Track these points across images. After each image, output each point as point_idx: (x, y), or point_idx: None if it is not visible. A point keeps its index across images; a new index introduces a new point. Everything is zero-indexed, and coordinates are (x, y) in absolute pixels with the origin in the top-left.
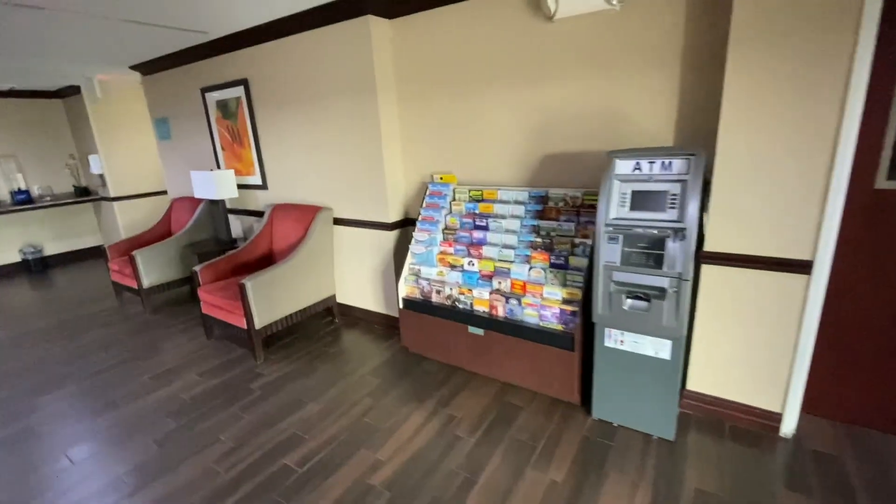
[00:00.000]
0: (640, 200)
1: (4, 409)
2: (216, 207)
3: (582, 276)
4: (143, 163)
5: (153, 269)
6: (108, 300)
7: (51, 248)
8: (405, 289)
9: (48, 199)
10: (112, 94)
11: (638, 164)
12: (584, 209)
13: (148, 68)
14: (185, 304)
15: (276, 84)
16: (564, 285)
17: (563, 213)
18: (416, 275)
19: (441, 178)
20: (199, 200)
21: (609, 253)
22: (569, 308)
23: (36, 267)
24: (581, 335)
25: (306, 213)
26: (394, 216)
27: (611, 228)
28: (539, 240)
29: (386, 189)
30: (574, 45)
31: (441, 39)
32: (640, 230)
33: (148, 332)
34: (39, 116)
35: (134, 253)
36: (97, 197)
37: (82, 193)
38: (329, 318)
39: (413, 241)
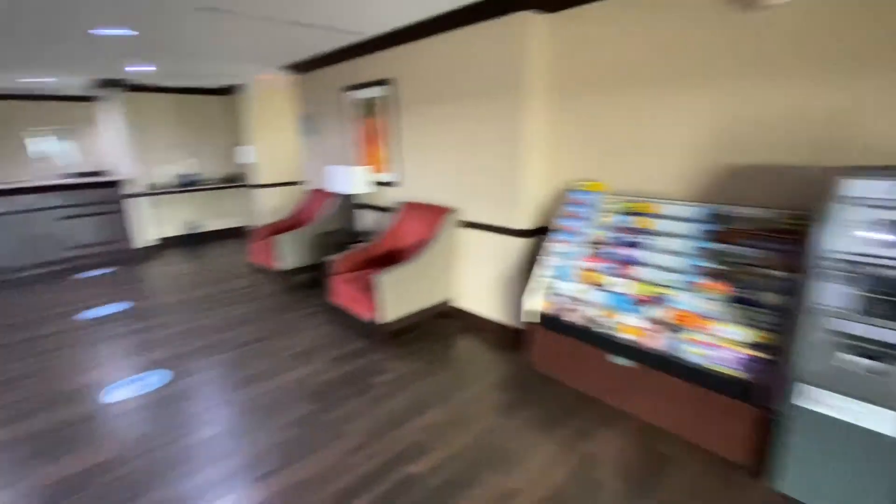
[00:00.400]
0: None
1: (172, 365)
2: (347, 201)
3: (773, 316)
4: (280, 155)
5: (289, 253)
6: (245, 277)
7: (208, 225)
8: (536, 302)
9: (209, 182)
10: (263, 92)
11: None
12: (782, 235)
13: (299, 68)
14: (312, 289)
15: (418, 84)
16: (748, 325)
17: (750, 238)
18: (549, 289)
19: (586, 186)
20: (332, 193)
21: (828, 294)
22: (750, 352)
23: (194, 240)
24: (770, 388)
25: (435, 213)
26: (526, 223)
27: (836, 264)
28: (715, 266)
29: (520, 194)
30: (792, 38)
31: (607, 35)
32: (890, 271)
33: (282, 312)
34: (210, 110)
35: (275, 237)
36: (244, 184)
37: (234, 180)
38: (446, 320)
39: (548, 251)
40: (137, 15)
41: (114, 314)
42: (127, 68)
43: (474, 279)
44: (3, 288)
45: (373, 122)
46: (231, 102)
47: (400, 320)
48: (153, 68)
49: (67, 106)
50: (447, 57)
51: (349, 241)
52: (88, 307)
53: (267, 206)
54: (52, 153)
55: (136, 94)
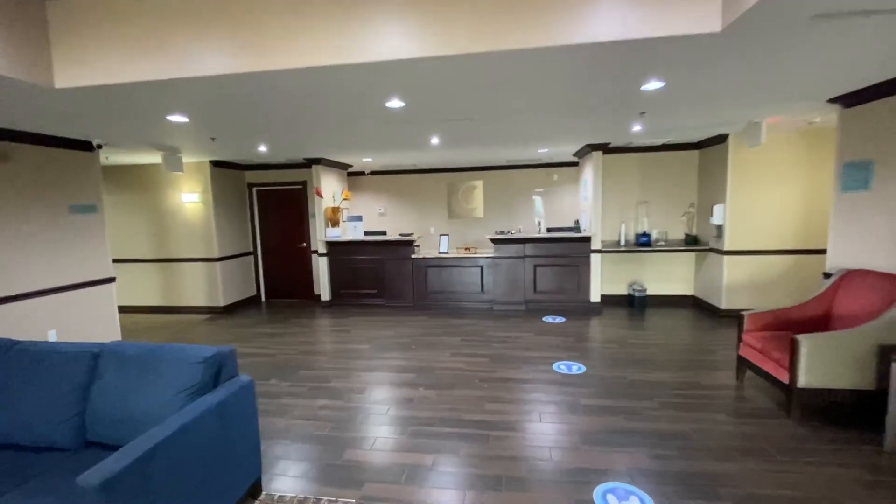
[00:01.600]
0: None
1: (646, 484)
2: None
3: None
4: (763, 217)
5: (817, 365)
6: (716, 371)
7: (651, 289)
8: None
9: (662, 243)
10: (772, 137)
11: None
12: None
13: (852, 99)
14: (849, 428)
15: None
16: None
17: None
18: None
19: None
20: None
21: None
22: None
23: (638, 304)
24: None
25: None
26: None
27: None
28: None
29: None
30: None
31: None
32: None
33: (802, 456)
34: (672, 167)
35: (798, 338)
36: (705, 248)
37: (691, 242)
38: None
39: None
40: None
41: (574, 377)
42: (634, 129)
43: None
44: (493, 317)
45: None
46: (696, 157)
47: None
48: (641, 128)
49: (547, 172)
50: None
51: None
52: (555, 358)
53: (731, 277)
54: (536, 211)
55: (610, 155)
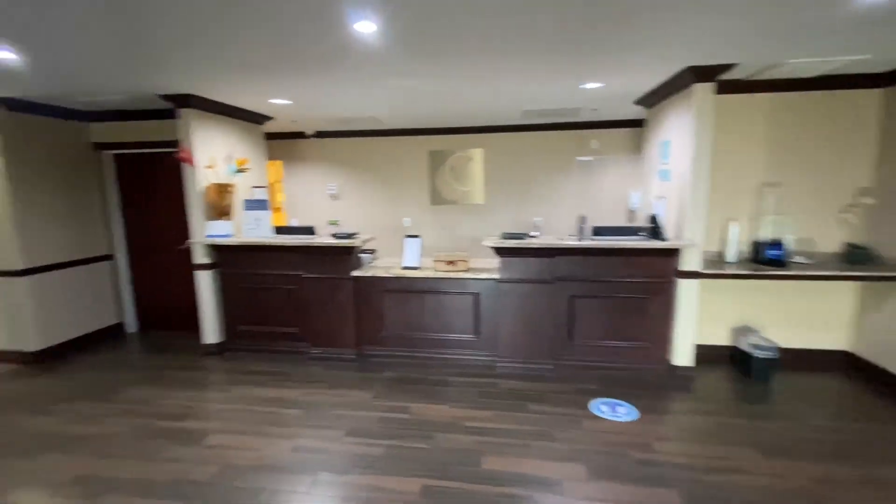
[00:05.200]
0: None
1: None
2: None
3: None
4: None
5: None
6: None
7: (779, 337)
8: None
9: (802, 260)
10: None
11: None
12: None
13: None
14: None
15: None
16: None
17: None
18: None
19: None
20: None
21: None
22: None
23: (759, 369)
24: None
25: None
26: None
27: None
28: None
29: None
30: None
31: None
32: None
33: None
34: (829, 121)
35: None
36: (892, 273)
37: (859, 259)
38: None
39: None
40: None
41: None
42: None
43: None
44: (493, 392)
45: None
46: (878, 101)
47: None
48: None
49: (582, 136)
50: None
51: None
52: None
53: None
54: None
55: (727, 96)
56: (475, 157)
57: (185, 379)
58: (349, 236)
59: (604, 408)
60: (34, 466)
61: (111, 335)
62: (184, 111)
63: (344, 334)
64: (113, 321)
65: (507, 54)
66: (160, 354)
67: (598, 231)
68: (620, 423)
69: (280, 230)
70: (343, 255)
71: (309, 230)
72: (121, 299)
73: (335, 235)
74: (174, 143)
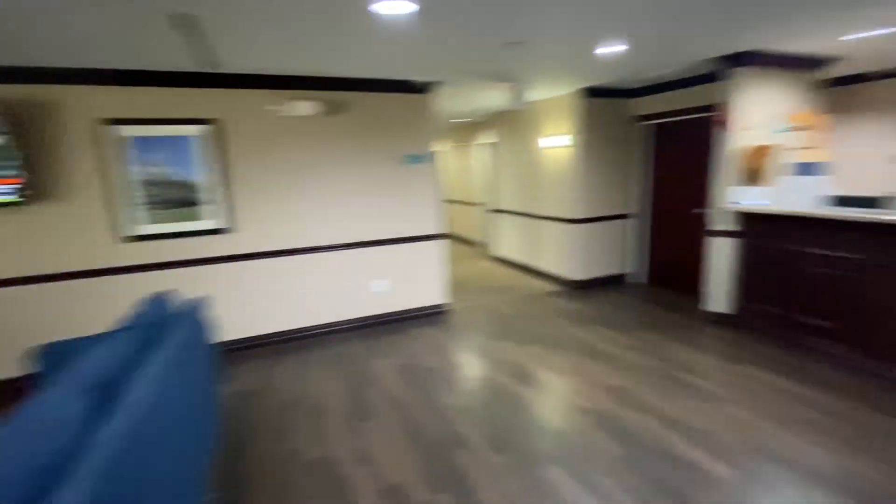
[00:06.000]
0: None
1: None
2: None
3: None
4: None
5: None
6: None
7: None
8: None
9: None
10: None
11: None
12: None
13: None
14: None
15: None
16: None
17: None
18: None
19: None
20: None
21: None
22: None
23: None
24: None
25: None
26: None
27: None
28: None
29: None
30: None
31: None
32: None
33: None
34: None
35: None
36: None
37: None
38: None
39: None
40: None
41: None
42: None
43: None
44: None
45: None
46: None
47: None
48: None
49: None
50: None
51: None
52: None
53: None
54: None
55: None
56: None
57: (686, 338)
58: None
59: None
60: (565, 361)
61: (615, 282)
62: (735, 70)
63: None
64: (617, 271)
65: None
66: (663, 308)
67: None
68: None
69: (842, 201)
70: None
71: (870, 202)
72: (626, 253)
73: None
74: (708, 108)
